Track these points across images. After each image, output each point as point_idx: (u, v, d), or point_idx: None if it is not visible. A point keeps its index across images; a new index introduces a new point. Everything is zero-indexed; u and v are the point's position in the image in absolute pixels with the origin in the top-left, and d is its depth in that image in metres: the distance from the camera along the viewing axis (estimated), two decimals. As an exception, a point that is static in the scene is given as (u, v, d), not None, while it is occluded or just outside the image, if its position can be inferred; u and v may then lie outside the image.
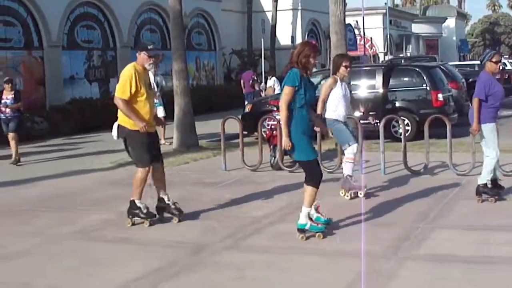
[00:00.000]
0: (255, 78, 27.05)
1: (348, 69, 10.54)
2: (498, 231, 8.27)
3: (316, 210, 8.16)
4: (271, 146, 13.62)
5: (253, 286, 6.56)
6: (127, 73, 8.81)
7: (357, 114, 12.98)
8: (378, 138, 12.79)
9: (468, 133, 9.89)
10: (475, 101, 9.56)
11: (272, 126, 13.58)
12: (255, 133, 17.55)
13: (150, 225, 8.94)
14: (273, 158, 13.50)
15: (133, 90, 8.74)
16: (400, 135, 16.92)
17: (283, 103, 7.84)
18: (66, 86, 25.88)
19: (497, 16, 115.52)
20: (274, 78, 26.05)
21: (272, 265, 7.13)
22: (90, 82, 27.23)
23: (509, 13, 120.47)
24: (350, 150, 10.40)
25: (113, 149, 16.70)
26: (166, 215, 9.21)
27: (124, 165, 14.43)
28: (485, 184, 9.73)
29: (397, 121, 17.34)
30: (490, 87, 9.52)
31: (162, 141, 18.02)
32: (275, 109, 14.53)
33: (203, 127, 19.44)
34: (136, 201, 9.02)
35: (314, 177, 7.99)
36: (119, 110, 8.94)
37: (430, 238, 7.96)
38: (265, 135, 14.13)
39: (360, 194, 10.36)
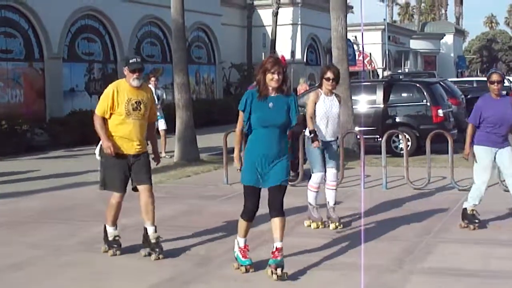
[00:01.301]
0: None
1: (330, 81, 9.24)
2: (502, 246, 8.31)
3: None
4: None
5: (260, 299, 6.59)
6: (106, 90, 8.33)
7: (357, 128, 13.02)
8: (378, 153, 12.82)
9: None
10: (468, 125, 9.30)
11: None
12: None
13: (113, 255, 8.15)
14: (274, 171, 13.48)
15: (108, 108, 8.13)
16: (400, 150, 17.07)
17: (236, 127, 7.45)
18: (66, 98, 25.96)
19: (494, 33, 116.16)
20: None
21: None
22: (90, 94, 27.26)
23: (506, 30, 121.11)
24: (314, 179, 9.52)
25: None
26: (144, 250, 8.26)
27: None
28: (465, 209, 9.21)
29: (397, 136, 17.44)
30: (482, 111, 9.08)
31: (162, 154, 18.06)
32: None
33: (202, 140, 19.45)
34: (107, 227, 8.38)
35: (244, 207, 7.32)
36: None
37: (434, 252, 7.99)
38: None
39: (329, 225, 9.38)
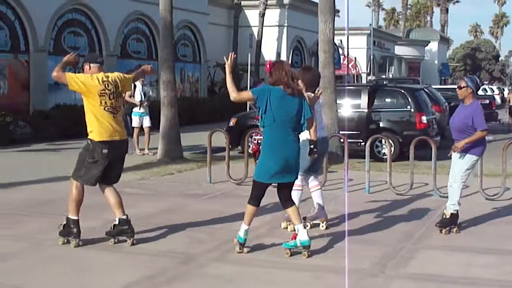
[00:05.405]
0: None
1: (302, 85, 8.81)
2: (482, 253, 8.35)
3: None
4: (257, 161, 13.64)
5: (242, 298, 6.61)
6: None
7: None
8: (360, 157, 12.84)
9: (449, 156, 9.64)
10: None
11: (259, 141, 13.64)
12: (239, 147, 17.66)
13: (76, 246, 8.29)
14: (258, 172, 13.52)
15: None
16: (383, 155, 17.17)
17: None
18: (50, 92, 25.81)
19: (479, 42, 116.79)
20: None
21: (259, 278, 7.19)
22: (74, 89, 27.14)
23: (490, 40, 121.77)
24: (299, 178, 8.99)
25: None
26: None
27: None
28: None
29: (380, 141, 17.52)
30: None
31: (146, 151, 18.11)
32: (261, 124, 14.54)
33: (185, 139, 19.43)
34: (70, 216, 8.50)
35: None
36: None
37: (416, 257, 8.04)
38: (251, 150, 14.17)
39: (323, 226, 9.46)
